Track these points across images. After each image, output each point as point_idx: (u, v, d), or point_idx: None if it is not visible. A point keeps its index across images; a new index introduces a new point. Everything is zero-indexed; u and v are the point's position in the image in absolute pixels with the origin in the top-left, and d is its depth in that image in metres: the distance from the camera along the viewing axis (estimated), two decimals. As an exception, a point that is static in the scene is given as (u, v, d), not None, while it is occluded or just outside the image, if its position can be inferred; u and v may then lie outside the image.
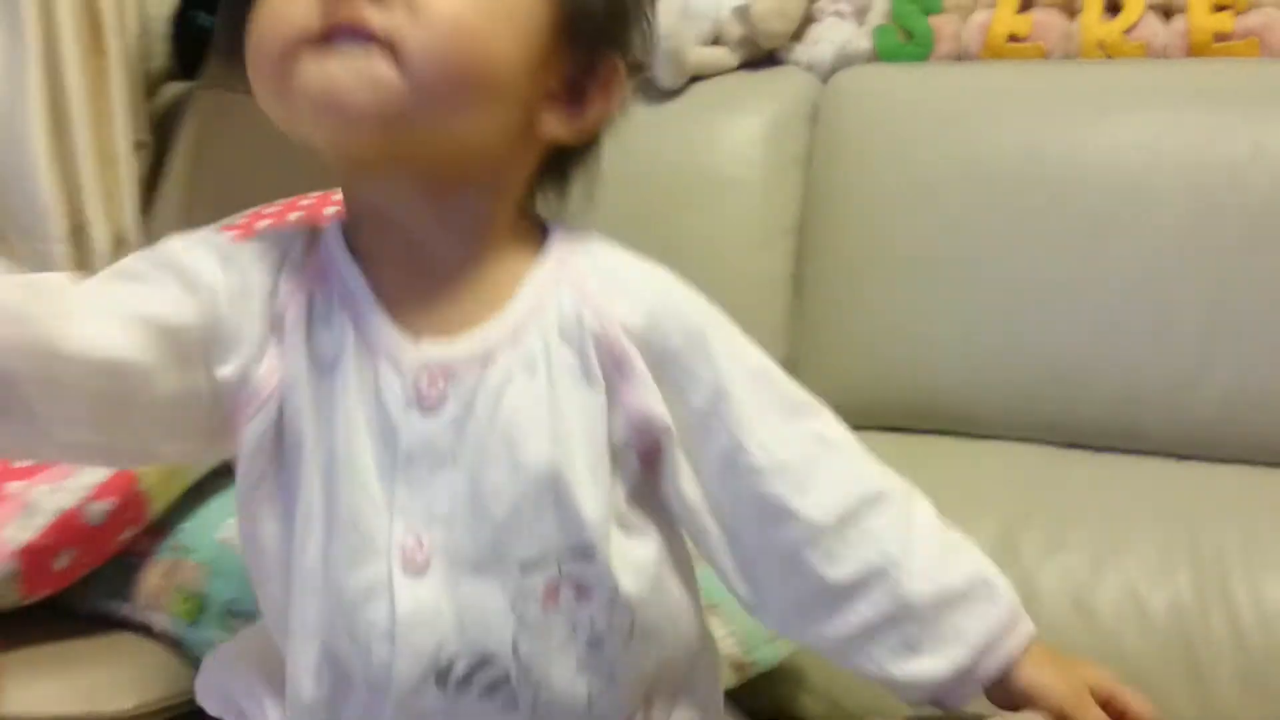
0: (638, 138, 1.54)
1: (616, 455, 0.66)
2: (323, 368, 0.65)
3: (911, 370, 1.45)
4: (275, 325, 0.65)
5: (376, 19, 0.58)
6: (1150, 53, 1.48)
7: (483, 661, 0.63)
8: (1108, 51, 1.49)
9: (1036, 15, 1.54)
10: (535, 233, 0.70)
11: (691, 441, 0.68)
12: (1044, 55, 1.52)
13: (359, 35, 0.58)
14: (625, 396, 0.66)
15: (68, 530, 1.04)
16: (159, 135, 1.74)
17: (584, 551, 0.64)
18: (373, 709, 0.65)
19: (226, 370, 0.64)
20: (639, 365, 0.66)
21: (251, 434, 0.65)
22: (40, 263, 1.59)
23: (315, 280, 0.66)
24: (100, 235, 1.63)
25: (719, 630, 1.10)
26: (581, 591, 0.64)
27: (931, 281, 1.44)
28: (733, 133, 1.58)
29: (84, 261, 1.63)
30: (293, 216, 1.25)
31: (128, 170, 1.67)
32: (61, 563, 1.06)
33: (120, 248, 1.66)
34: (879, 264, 1.48)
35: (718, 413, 0.67)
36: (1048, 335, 1.38)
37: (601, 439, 0.65)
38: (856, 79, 1.58)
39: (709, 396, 0.67)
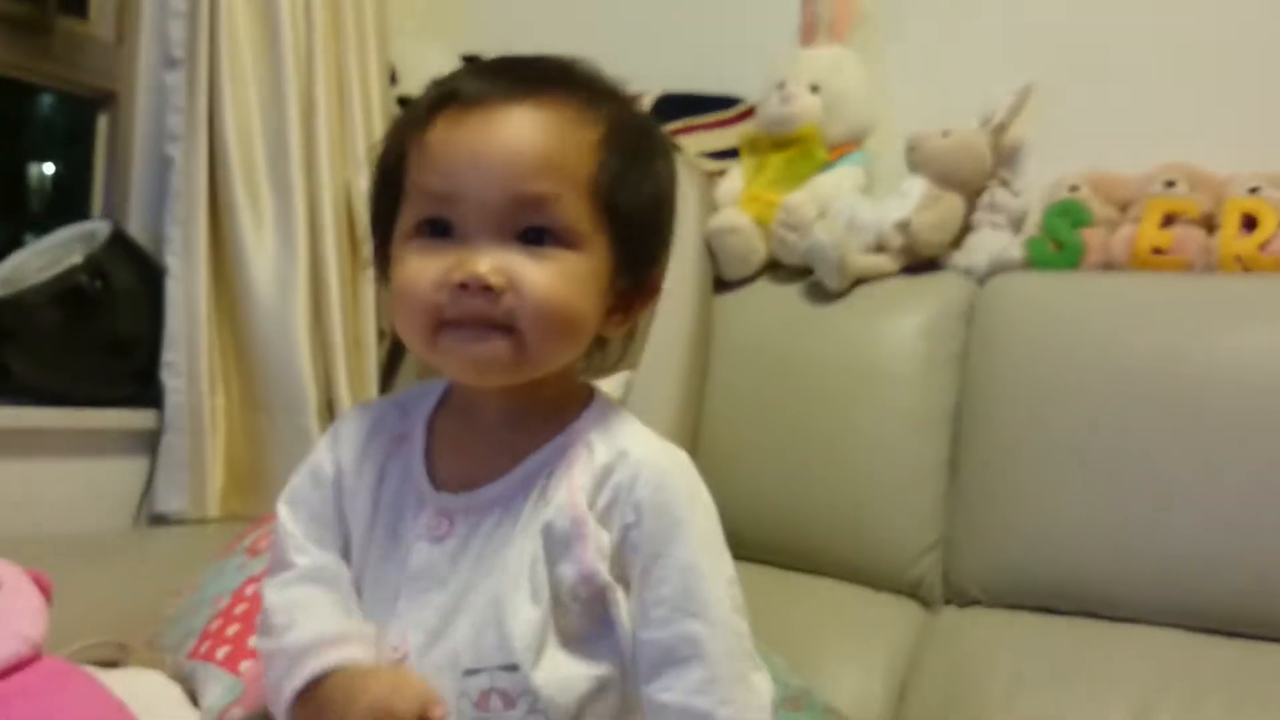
0: (807, 335, 1.79)
1: (565, 594, 0.81)
2: (376, 508, 0.87)
3: (1057, 554, 1.57)
4: (359, 481, 0.89)
5: (494, 311, 0.79)
6: (1284, 267, 1.60)
7: None
8: (1244, 265, 1.62)
9: (1178, 230, 1.68)
10: (575, 402, 0.88)
11: (637, 591, 0.83)
12: (1185, 267, 1.66)
13: (482, 323, 0.79)
14: (578, 553, 0.81)
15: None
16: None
17: (510, 666, 0.80)
18: None
19: (342, 521, 0.90)
20: (590, 533, 0.81)
21: None
22: (297, 434, 1.87)
23: (397, 440, 0.89)
24: (347, 409, 1.90)
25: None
26: (507, 700, 0.80)
27: (1078, 472, 1.57)
28: (893, 331, 1.76)
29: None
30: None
31: (371, 356, 1.95)
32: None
33: (362, 422, 1.93)
34: (1029, 454, 1.62)
35: (653, 580, 0.82)
36: (1186, 526, 1.49)
37: (549, 583, 0.81)
38: (1010, 284, 1.74)
39: (655, 572, 0.82)
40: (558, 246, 0.80)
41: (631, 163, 0.84)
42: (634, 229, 0.84)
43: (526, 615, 0.80)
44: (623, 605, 0.82)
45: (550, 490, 0.83)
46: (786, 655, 1.43)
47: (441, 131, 0.81)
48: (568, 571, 0.81)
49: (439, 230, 0.81)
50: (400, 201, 0.84)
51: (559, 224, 0.80)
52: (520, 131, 0.80)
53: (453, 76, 0.85)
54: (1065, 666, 1.46)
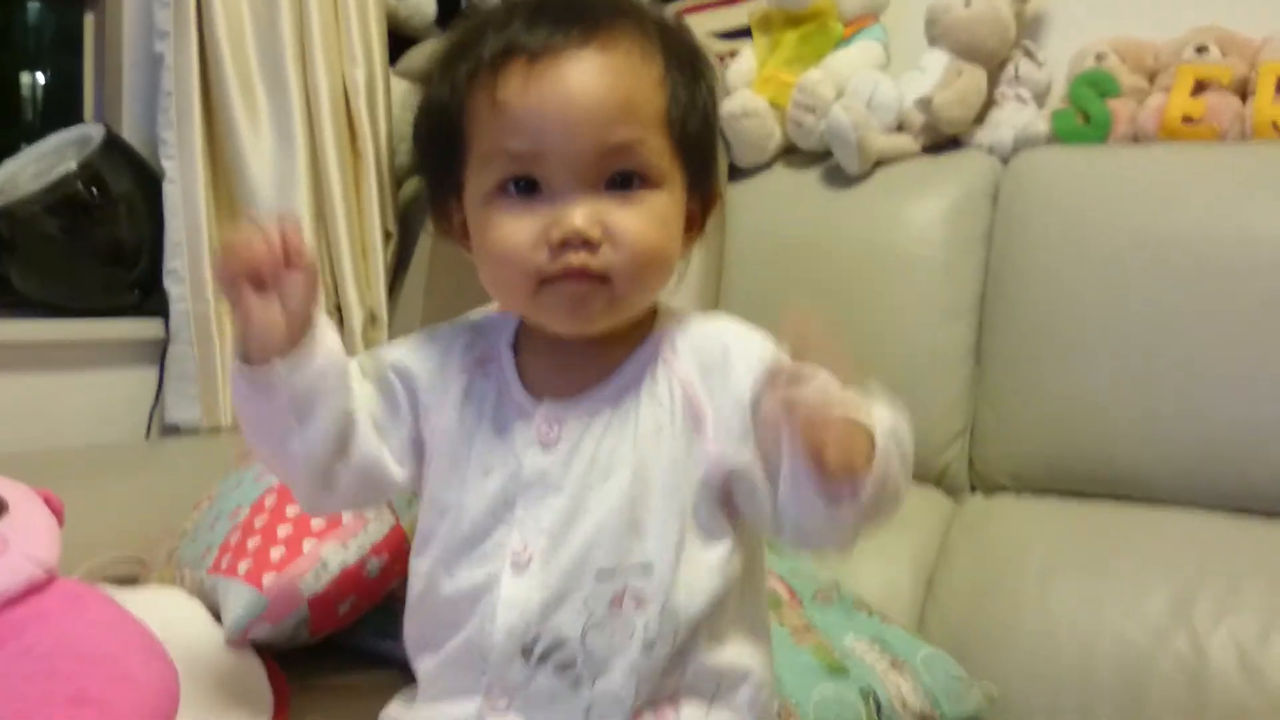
0: (827, 221, 1.73)
1: (697, 486, 0.84)
2: (467, 425, 0.88)
3: (1088, 438, 1.54)
4: (443, 398, 0.89)
5: (593, 262, 0.80)
6: (1323, 132, 1.54)
7: (558, 644, 0.82)
8: (1281, 132, 1.56)
9: (1210, 98, 1.62)
10: (647, 313, 0.89)
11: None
12: (1218, 136, 1.60)
13: (583, 276, 0.80)
14: (704, 444, 0.84)
15: (350, 581, 1.25)
16: (403, 227, 1.97)
17: (645, 568, 0.82)
18: (473, 673, 0.84)
19: (416, 432, 0.90)
20: (710, 420, 0.84)
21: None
22: (306, 338, 1.83)
23: (479, 362, 0.90)
24: (355, 314, 1.86)
25: (905, 686, 1.22)
26: (640, 602, 0.82)
27: (1108, 353, 1.53)
28: (917, 213, 1.70)
29: (341, 338, 1.86)
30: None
31: (378, 258, 1.90)
32: (343, 608, 1.27)
33: (372, 325, 1.89)
34: (1058, 336, 1.58)
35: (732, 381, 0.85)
36: (1220, 405, 1.45)
37: (680, 479, 0.83)
38: (1036, 160, 1.68)
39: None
40: (645, 188, 0.82)
41: (692, 88, 0.86)
42: (700, 150, 0.87)
43: (660, 517, 0.83)
44: (751, 480, 0.82)
45: (658, 391, 0.85)
46: (814, 549, 1.40)
47: (514, 89, 0.81)
48: (696, 465, 0.84)
49: (524, 188, 0.82)
50: (463, 155, 0.84)
51: (644, 165, 0.82)
52: (596, 81, 0.81)
53: (504, 23, 0.83)
54: (1099, 552, 1.44)
